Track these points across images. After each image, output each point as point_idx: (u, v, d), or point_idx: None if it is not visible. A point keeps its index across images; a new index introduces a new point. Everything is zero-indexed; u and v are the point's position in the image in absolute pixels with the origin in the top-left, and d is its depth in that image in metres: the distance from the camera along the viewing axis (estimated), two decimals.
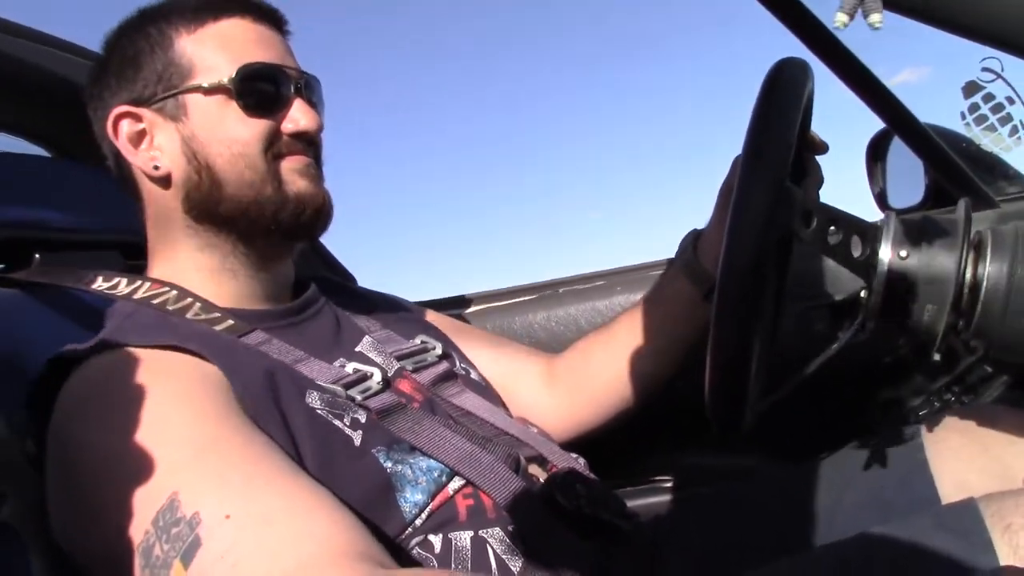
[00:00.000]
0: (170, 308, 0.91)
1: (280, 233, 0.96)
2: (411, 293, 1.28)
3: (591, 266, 1.54)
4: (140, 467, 0.69)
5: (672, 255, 1.15)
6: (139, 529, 0.67)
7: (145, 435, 0.71)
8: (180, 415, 0.73)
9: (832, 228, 0.79)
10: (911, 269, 0.78)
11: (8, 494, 0.83)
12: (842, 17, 0.56)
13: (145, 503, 0.67)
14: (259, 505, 0.66)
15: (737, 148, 0.85)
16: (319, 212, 0.97)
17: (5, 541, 0.81)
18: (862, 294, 0.82)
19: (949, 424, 1.00)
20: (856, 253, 0.79)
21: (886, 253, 0.78)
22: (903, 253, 0.78)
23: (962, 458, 0.96)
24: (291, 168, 0.95)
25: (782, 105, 0.79)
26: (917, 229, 0.80)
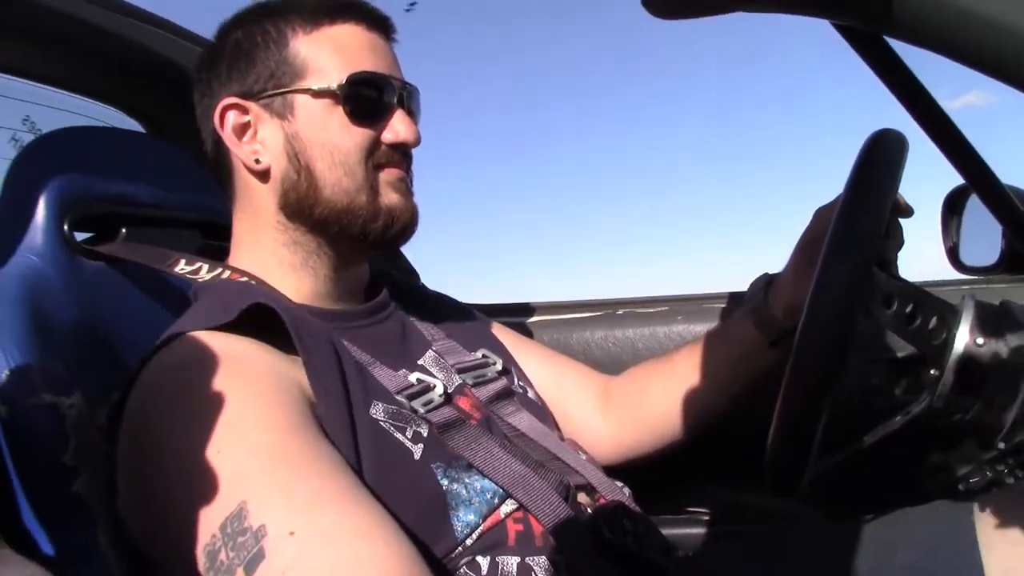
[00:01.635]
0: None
1: (367, 242, 0.98)
2: (461, 294, 1.30)
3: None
4: (212, 472, 0.71)
5: (715, 280, 1.16)
6: (206, 531, 0.69)
7: (218, 440, 0.73)
8: (254, 421, 0.74)
9: (911, 308, 0.79)
10: (987, 357, 0.77)
11: (83, 469, 0.86)
12: None
13: (215, 507, 0.69)
14: (323, 523, 0.67)
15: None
16: (407, 227, 0.99)
17: (76, 512, 0.85)
18: (932, 372, 0.82)
19: (1003, 506, 0.99)
20: (932, 335, 0.79)
21: (963, 338, 0.78)
22: (980, 340, 0.78)
23: (1012, 543, 0.95)
24: (387, 181, 0.97)
25: (879, 184, 0.79)
26: (995, 316, 0.80)
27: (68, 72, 1.19)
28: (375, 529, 0.69)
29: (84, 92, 1.22)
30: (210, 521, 0.69)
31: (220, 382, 0.78)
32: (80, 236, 1.03)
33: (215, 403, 0.76)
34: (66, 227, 0.99)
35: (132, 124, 1.31)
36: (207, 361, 0.80)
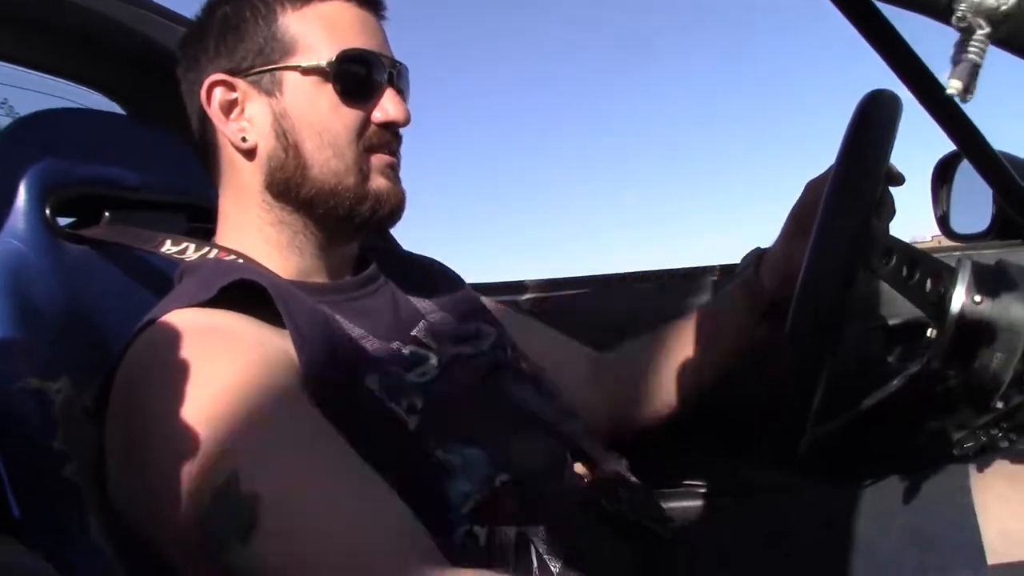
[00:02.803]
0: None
1: (353, 224, 0.97)
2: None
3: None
4: (201, 442, 0.71)
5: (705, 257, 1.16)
6: (198, 503, 0.69)
7: (206, 411, 0.72)
8: (242, 391, 0.74)
9: (908, 266, 0.79)
10: (983, 315, 0.77)
11: (72, 453, 0.85)
12: (956, 84, 0.54)
13: (205, 478, 0.69)
14: (315, 488, 0.68)
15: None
16: (393, 211, 0.98)
17: (68, 498, 0.83)
18: (929, 333, 0.82)
19: (999, 470, 0.99)
20: (930, 292, 0.79)
21: (959, 297, 0.78)
22: (977, 298, 0.77)
23: (1009, 506, 0.95)
24: (376, 165, 0.96)
25: (874, 142, 0.79)
26: (992, 275, 0.80)
27: (46, 53, 1.17)
28: (368, 491, 0.70)
29: (63, 74, 1.20)
30: (201, 491, 0.69)
31: (206, 354, 0.78)
32: (63, 221, 1.01)
33: (201, 375, 0.75)
34: (48, 211, 0.97)
35: (113, 107, 1.29)
36: (191, 335, 0.80)
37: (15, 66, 1.15)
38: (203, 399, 0.74)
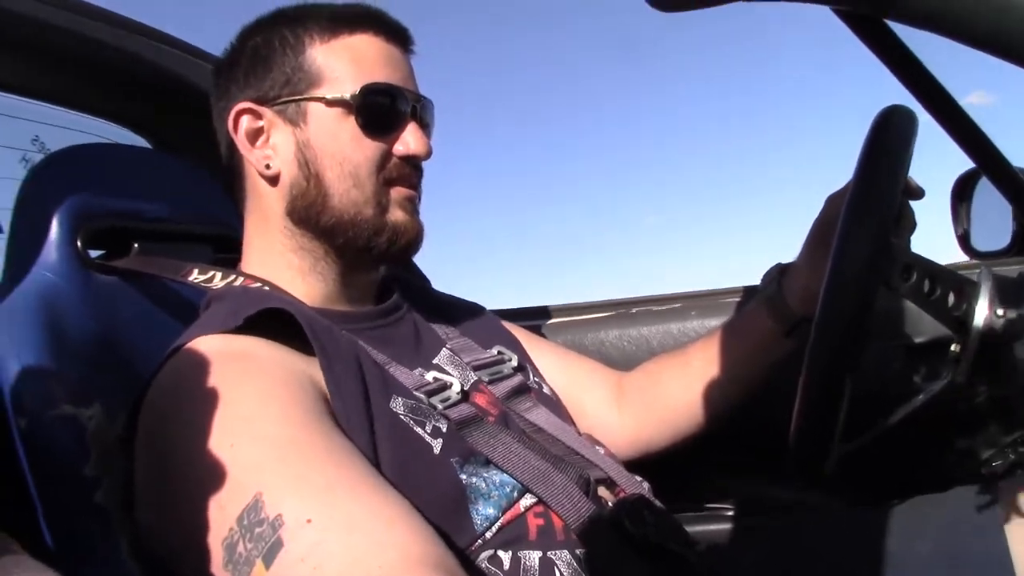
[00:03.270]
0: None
1: (371, 255, 0.98)
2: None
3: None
4: (227, 465, 0.71)
5: (734, 278, 1.15)
6: (223, 525, 0.69)
7: (232, 434, 0.73)
8: (267, 414, 0.75)
9: (929, 282, 0.79)
10: (1008, 328, 0.77)
11: (103, 479, 0.86)
12: None
13: (230, 501, 0.69)
14: (340, 510, 0.67)
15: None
16: (411, 244, 1.00)
17: (99, 523, 0.85)
18: (953, 348, 0.81)
19: None
20: (952, 308, 0.79)
21: (983, 310, 0.77)
22: (1000, 312, 0.77)
23: None
24: (396, 199, 0.97)
25: (891, 157, 0.79)
26: (1015, 287, 0.79)
27: (75, 91, 1.20)
28: (394, 514, 0.69)
29: (91, 111, 1.24)
30: (226, 514, 0.69)
31: (232, 379, 0.78)
32: (94, 253, 1.03)
33: (227, 399, 0.76)
34: (79, 243, 0.99)
35: (139, 142, 1.32)
36: (218, 360, 0.81)
37: (47, 104, 1.17)
38: (228, 423, 0.74)
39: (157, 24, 1.21)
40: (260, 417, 0.75)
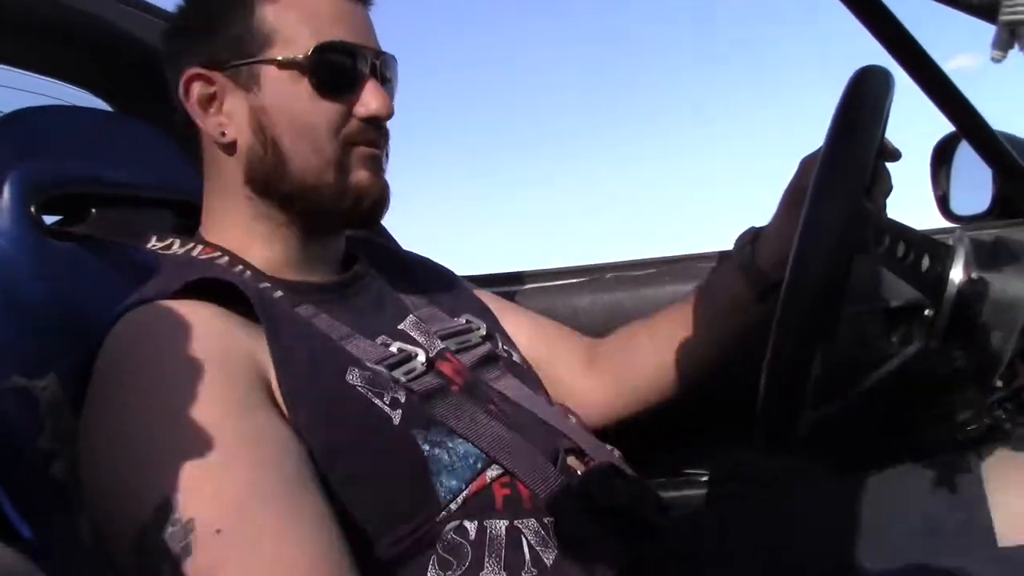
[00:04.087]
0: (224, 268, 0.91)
1: (336, 219, 0.96)
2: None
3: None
4: (149, 449, 0.70)
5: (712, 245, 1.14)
6: (138, 517, 0.68)
7: (159, 417, 0.72)
8: (196, 400, 0.72)
9: (903, 246, 0.77)
10: (982, 293, 0.76)
11: (58, 451, 0.84)
12: (997, 54, 0.54)
13: (148, 491, 0.68)
14: (251, 524, 0.67)
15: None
16: (377, 203, 0.96)
17: (55, 497, 0.83)
18: (927, 312, 0.80)
19: (1009, 457, 0.97)
20: (926, 272, 0.78)
21: (957, 275, 0.76)
22: (975, 276, 0.76)
23: (1018, 490, 0.93)
24: (358, 158, 0.94)
25: (864, 119, 0.77)
26: (989, 251, 0.78)
27: (29, 51, 1.17)
28: (305, 531, 0.68)
29: (47, 72, 1.20)
30: (142, 507, 0.68)
31: (165, 354, 0.77)
32: (50, 219, 1.00)
33: (156, 380, 0.75)
34: (33, 209, 0.96)
35: (98, 104, 1.29)
36: (155, 331, 0.79)
37: None
38: (157, 405, 0.73)
39: None
40: (189, 401, 0.72)
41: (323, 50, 0.91)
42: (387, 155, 0.99)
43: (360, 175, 0.94)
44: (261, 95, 0.92)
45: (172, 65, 0.96)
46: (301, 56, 0.90)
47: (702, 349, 1.13)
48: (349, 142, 0.93)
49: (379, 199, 0.96)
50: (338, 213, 0.94)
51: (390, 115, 0.95)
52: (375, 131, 0.95)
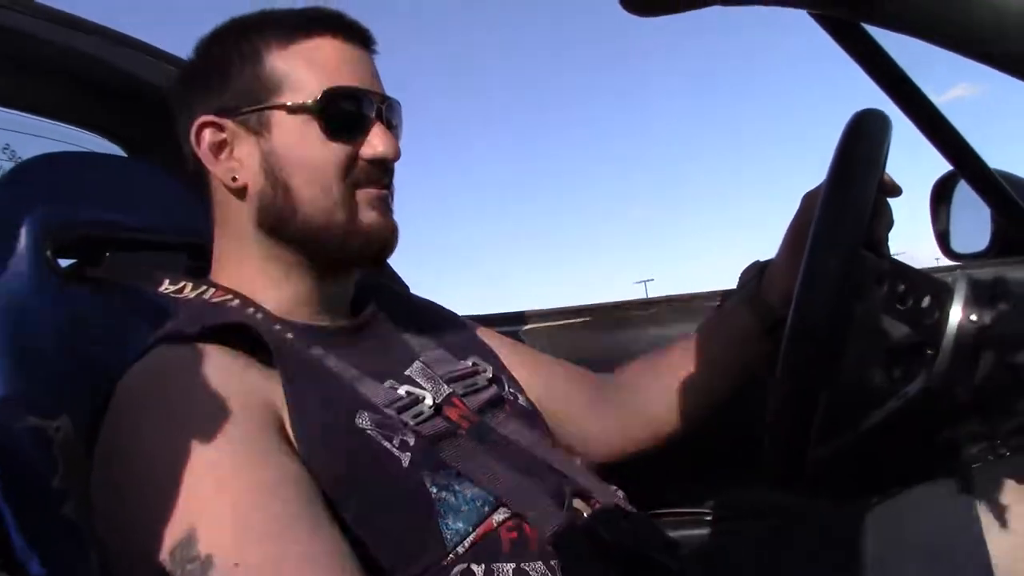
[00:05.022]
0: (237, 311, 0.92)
1: (346, 259, 0.98)
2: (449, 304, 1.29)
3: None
4: (166, 489, 0.71)
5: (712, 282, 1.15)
6: (158, 555, 0.70)
7: (176, 457, 0.73)
8: (212, 438, 0.74)
9: (903, 287, 0.79)
10: (981, 332, 0.77)
11: (71, 491, 0.85)
12: None
13: (167, 529, 0.70)
14: (270, 557, 0.68)
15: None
16: (385, 245, 0.98)
17: (67, 536, 0.83)
18: (928, 352, 0.81)
19: (1006, 484, 0.98)
20: (926, 314, 0.79)
21: (956, 315, 0.77)
22: (974, 316, 0.77)
23: (1015, 521, 0.94)
24: (366, 199, 0.96)
25: (862, 166, 0.79)
26: (988, 290, 0.79)
27: (46, 98, 1.19)
28: (321, 565, 0.69)
29: (63, 118, 1.23)
30: (163, 545, 0.70)
31: (184, 396, 0.78)
32: (65, 263, 1.02)
33: (176, 420, 0.76)
34: (49, 253, 0.98)
35: (113, 149, 1.31)
36: (174, 374, 0.81)
37: (17, 111, 1.16)
38: (173, 445, 0.74)
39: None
40: (204, 441, 0.74)
41: (331, 95, 0.93)
42: (392, 194, 1.01)
43: (370, 215, 0.96)
44: (271, 140, 0.94)
45: (183, 113, 0.99)
46: (310, 101, 0.93)
47: (709, 385, 1.13)
48: (357, 184, 0.95)
49: (388, 240, 0.98)
50: (348, 253, 0.96)
51: (397, 157, 0.98)
52: (382, 173, 0.97)
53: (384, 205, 0.98)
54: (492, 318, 1.53)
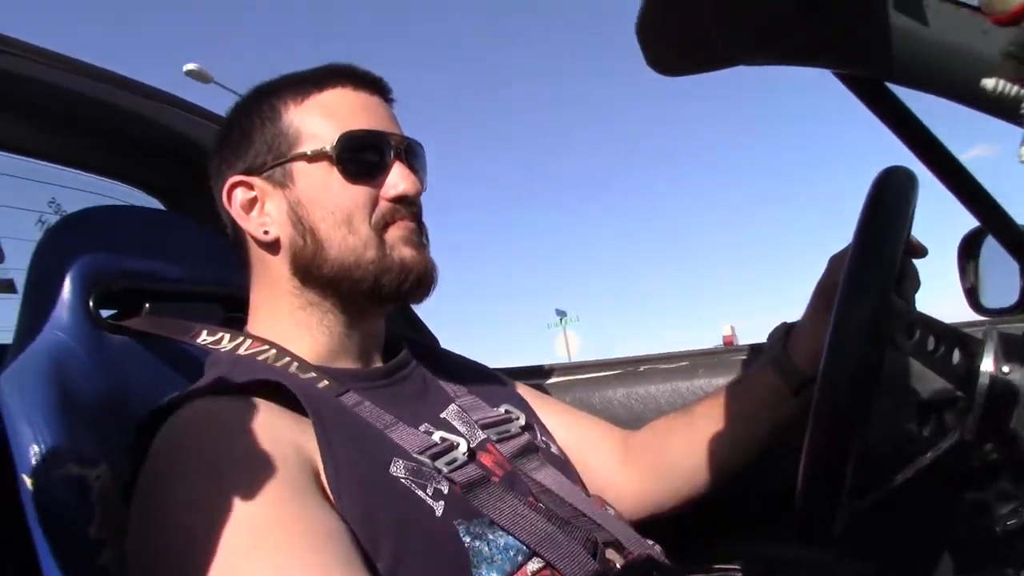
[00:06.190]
0: (270, 365, 0.94)
1: (381, 296, 0.99)
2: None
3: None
4: (204, 543, 0.72)
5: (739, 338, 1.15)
6: None
7: (213, 511, 0.73)
8: (249, 491, 0.75)
9: (933, 340, 0.79)
10: (1012, 385, 0.77)
11: (108, 540, 0.86)
12: None
13: None
14: None
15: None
16: (422, 279, 1.00)
17: None
18: (959, 405, 0.81)
19: None
20: (957, 366, 0.79)
21: (987, 367, 0.77)
22: (1005, 368, 0.77)
23: None
24: (396, 236, 0.98)
25: (890, 218, 0.80)
26: (1019, 345, 0.79)
27: (89, 153, 1.24)
28: None
29: (107, 173, 1.26)
30: None
31: (220, 451, 0.79)
32: (105, 313, 1.05)
33: (213, 474, 0.77)
34: (91, 304, 1.01)
35: (154, 203, 1.35)
36: (209, 428, 0.82)
37: (63, 167, 1.20)
38: (210, 499, 0.75)
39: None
40: (242, 495, 0.74)
41: (347, 138, 0.97)
42: (424, 229, 1.03)
43: (402, 251, 0.98)
44: (296, 189, 0.98)
45: (217, 179, 1.03)
46: (328, 147, 0.97)
47: (736, 443, 1.13)
48: (384, 223, 0.98)
49: (424, 273, 1.00)
50: (383, 289, 0.97)
51: (419, 194, 1.00)
52: (407, 210, 1.00)
53: (415, 240, 1.00)
54: (519, 371, 1.54)
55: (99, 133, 1.21)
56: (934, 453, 0.84)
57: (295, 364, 0.94)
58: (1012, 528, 1.03)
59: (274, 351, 0.96)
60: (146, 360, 1.06)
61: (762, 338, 1.20)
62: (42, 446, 0.85)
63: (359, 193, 0.97)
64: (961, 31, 0.70)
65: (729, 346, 1.51)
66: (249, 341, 0.98)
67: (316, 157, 0.97)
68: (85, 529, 0.85)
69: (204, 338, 1.01)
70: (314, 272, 0.97)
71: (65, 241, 1.03)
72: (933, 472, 0.91)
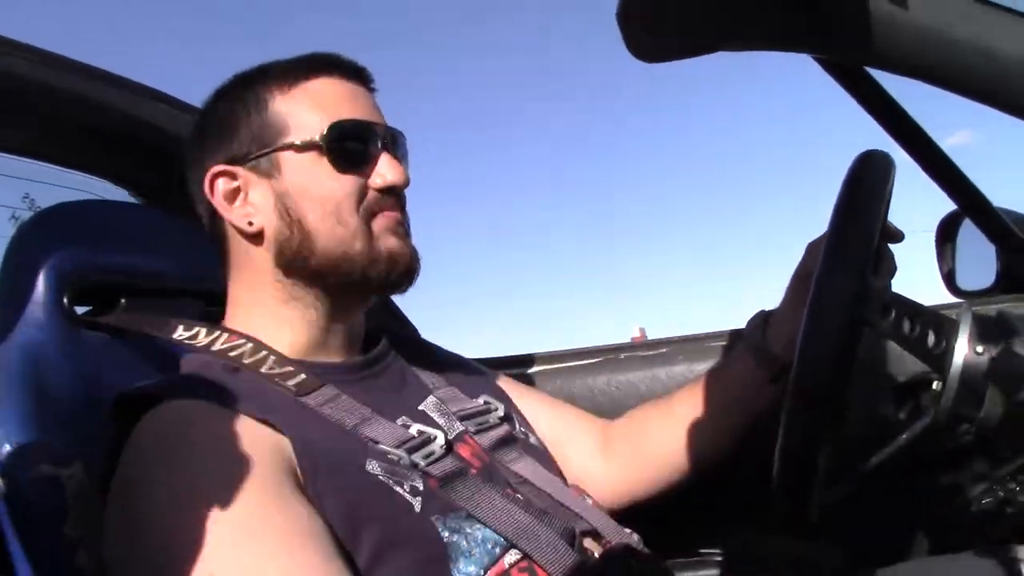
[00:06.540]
0: (245, 361, 0.93)
1: (369, 288, 0.99)
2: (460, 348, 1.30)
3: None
4: (183, 543, 0.72)
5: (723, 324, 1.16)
6: None
7: (191, 514, 0.73)
8: (226, 490, 0.74)
9: (908, 322, 0.79)
10: (987, 366, 0.77)
11: (83, 539, 0.85)
12: None
13: None
14: None
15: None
16: (408, 269, 1.00)
17: None
18: (935, 386, 0.81)
19: None
20: (932, 346, 0.79)
21: (962, 348, 0.77)
22: (979, 349, 0.77)
23: None
24: (383, 226, 0.98)
25: (867, 200, 0.80)
26: (994, 325, 0.80)
27: (63, 148, 1.22)
28: None
29: (80, 167, 1.24)
30: None
31: (198, 452, 0.79)
32: (81, 309, 1.04)
33: (190, 474, 0.77)
34: (66, 300, 1.00)
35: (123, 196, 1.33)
36: (186, 429, 0.81)
37: (36, 161, 1.19)
38: (189, 499, 0.74)
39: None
40: (219, 495, 0.74)
41: (337, 128, 0.96)
42: (407, 220, 1.03)
43: (388, 241, 0.98)
44: (283, 180, 0.96)
45: (195, 169, 1.02)
46: (317, 137, 0.96)
47: (715, 431, 1.14)
48: (371, 213, 0.97)
49: (410, 264, 1.00)
50: (372, 280, 0.97)
51: (406, 184, 1.00)
52: (394, 200, 1.00)
53: (401, 230, 1.00)
54: (501, 360, 1.54)
55: (72, 126, 1.19)
56: (910, 435, 0.84)
57: (271, 359, 0.94)
58: (987, 507, 1.04)
59: (251, 345, 0.95)
60: (122, 357, 1.05)
61: None
62: (14, 445, 0.84)
63: (348, 183, 0.96)
64: (941, 16, 0.70)
65: (708, 332, 1.51)
66: (225, 335, 0.97)
67: (305, 147, 0.96)
68: (59, 528, 0.84)
69: (180, 333, 1.00)
70: (299, 264, 0.96)
71: (38, 237, 1.02)
72: (909, 454, 0.91)
